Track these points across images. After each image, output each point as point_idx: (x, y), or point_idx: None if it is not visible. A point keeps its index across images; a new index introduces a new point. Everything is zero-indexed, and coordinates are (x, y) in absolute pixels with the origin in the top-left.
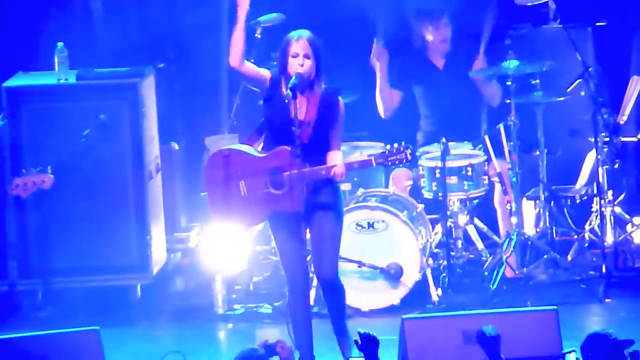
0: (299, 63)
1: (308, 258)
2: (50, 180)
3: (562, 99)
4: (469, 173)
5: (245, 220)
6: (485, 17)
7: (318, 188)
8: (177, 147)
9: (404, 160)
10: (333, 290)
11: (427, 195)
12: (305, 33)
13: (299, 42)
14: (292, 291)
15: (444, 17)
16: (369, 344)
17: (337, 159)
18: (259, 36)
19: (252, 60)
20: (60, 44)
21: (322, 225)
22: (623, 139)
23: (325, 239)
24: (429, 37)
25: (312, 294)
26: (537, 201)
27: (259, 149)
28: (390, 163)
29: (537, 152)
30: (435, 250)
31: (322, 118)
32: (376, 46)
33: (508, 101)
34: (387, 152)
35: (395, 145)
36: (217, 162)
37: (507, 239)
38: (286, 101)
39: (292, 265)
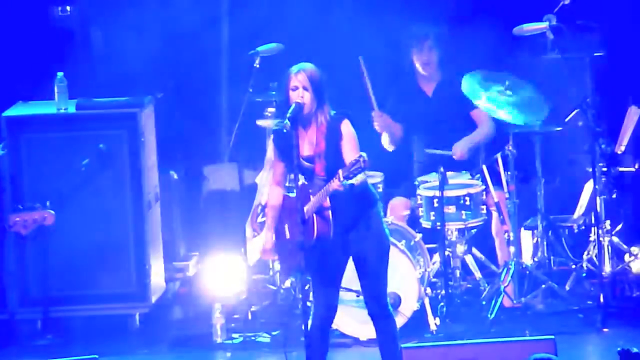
0: (299, 95)
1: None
2: (51, 216)
3: (560, 129)
4: (467, 203)
5: (293, 262)
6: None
7: (355, 220)
8: (176, 176)
9: (361, 167)
10: (380, 324)
11: (425, 224)
12: (305, 66)
13: (298, 75)
14: (313, 322)
15: (429, 39)
16: None
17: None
18: (258, 66)
19: (251, 90)
20: (59, 74)
21: (363, 259)
22: (621, 169)
23: (367, 274)
24: (414, 59)
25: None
26: (535, 231)
27: None
28: (352, 175)
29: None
30: (434, 280)
31: (330, 147)
32: (376, 115)
33: (506, 131)
34: (348, 165)
35: (355, 156)
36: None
37: (505, 269)
38: (285, 130)
39: (318, 298)
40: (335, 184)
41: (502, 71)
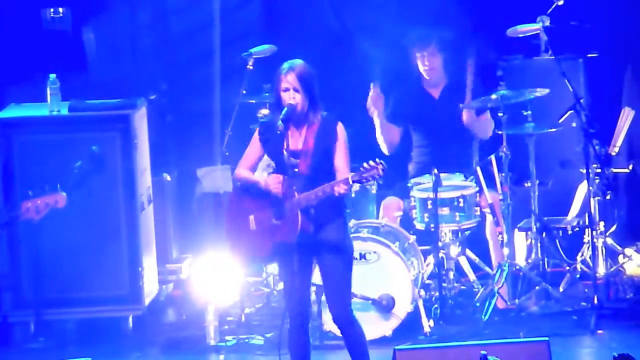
0: (290, 97)
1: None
2: (63, 198)
3: (553, 130)
4: (461, 204)
5: (255, 253)
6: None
7: (324, 223)
8: (169, 178)
9: (377, 175)
10: (347, 329)
11: (419, 226)
12: (295, 65)
13: (287, 76)
14: (292, 323)
15: (432, 45)
16: None
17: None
18: (251, 67)
19: (244, 92)
20: (52, 76)
21: (330, 265)
22: (614, 170)
23: (334, 280)
24: (418, 63)
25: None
26: (529, 232)
27: None
28: (364, 180)
29: (529, 183)
30: (427, 282)
31: (320, 147)
32: (373, 91)
33: (500, 132)
34: (362, 170)
35: (371, 162)
36: (233, 198)
37: (499, 270)
38: (278, 132)
39: (292, 298)
40: (342, 188)
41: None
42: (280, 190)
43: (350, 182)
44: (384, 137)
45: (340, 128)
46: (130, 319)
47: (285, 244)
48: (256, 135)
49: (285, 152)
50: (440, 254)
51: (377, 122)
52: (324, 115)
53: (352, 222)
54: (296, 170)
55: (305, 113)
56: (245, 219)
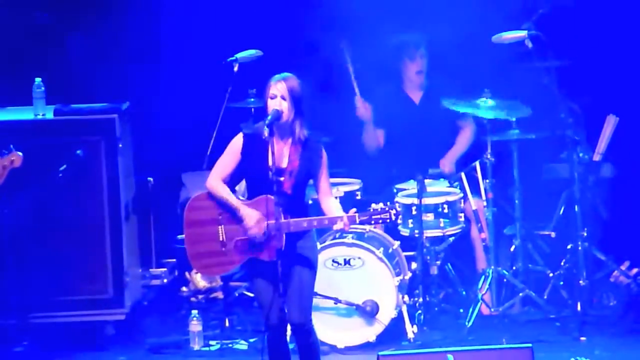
0: (276, 104)
1: None
2: (19, 157)
3: (536, 136)
4: (445, 210)
5: (220, 264)
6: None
7: (293, 235)
8: (153, 182)
9: (388, 220)
10: (305, 339)
11: (404, 232)
12: (287, 76)
13: (277, 84)
14: (268, 331)
15: (421, 47)
16: None
17: (338, 208)
18: (236, 70)
19: (229, 97)
20: (37, 80)
21: (295, 271)
22: (598, 177)
23: (297, 286)
24: (406, 69)
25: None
26: (513, 239)
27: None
28: (374, 222)
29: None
30: (411, 288)
31: (304, 169)
32: (360, 102)
33: (485, 138)
34: (372, 211)
35: (381, 205)
36: (198, 204)
37: (483, 277)
38: (263, 137)
39: (268, 306)
40: (346, 226)
41: (477, 90)
42: (259, 233)
43: (357, 222)
44: (370, 141)
45: (324, 155)
46: (114, 323)
47: (264, 261)
48: (233, 145)
49: (270, 170)
50: (425, 260)
51: (367, 127)
52: (309, 134)
53: None
54: (280, 188)
55: (290, 124)
56: (212, 226)
